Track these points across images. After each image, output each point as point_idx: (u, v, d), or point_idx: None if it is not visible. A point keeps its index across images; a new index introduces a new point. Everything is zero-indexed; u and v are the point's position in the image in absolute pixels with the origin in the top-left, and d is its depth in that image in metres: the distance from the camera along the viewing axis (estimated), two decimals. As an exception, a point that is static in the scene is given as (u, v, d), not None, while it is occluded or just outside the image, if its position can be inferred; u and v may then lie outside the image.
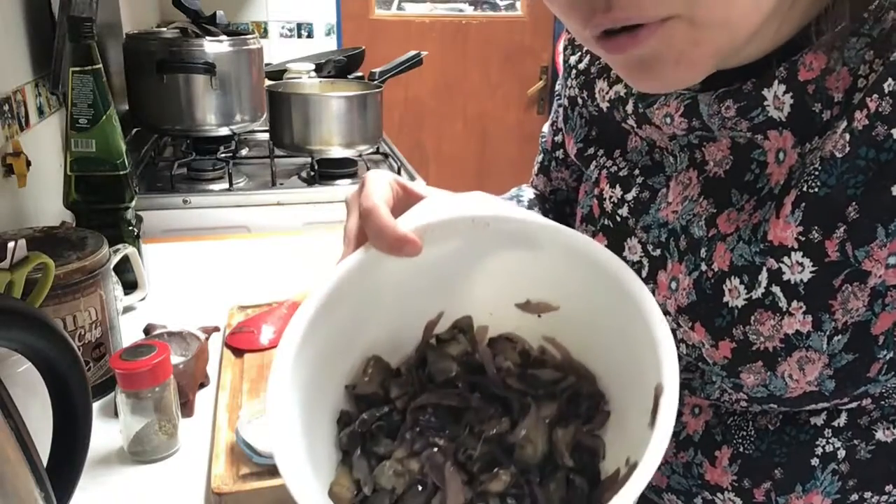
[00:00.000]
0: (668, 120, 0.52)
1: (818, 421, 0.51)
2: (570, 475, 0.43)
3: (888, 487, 0.51)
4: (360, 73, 2.03)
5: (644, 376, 0.40)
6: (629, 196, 0.57)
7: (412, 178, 1.60)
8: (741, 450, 0.53)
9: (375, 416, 0.49)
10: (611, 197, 0.59)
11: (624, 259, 0.55)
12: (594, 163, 0.62)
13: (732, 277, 0.49)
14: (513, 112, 3.19)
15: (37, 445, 0.44)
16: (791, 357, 0.47)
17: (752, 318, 0.48)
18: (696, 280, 0.51)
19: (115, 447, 0.73)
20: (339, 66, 1.99)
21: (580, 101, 0.65)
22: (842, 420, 0.51)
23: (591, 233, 0.61)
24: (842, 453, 0.51)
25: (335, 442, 0.48)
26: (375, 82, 1.76)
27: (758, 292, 0.47)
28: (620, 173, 0.59)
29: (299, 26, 2.68)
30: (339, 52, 2.32)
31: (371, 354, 0.52)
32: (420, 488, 0.44)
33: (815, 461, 0.51)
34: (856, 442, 0.51)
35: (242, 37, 1.62)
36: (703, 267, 0.50)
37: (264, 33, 2.64)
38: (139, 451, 0.71)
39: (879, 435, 0.51)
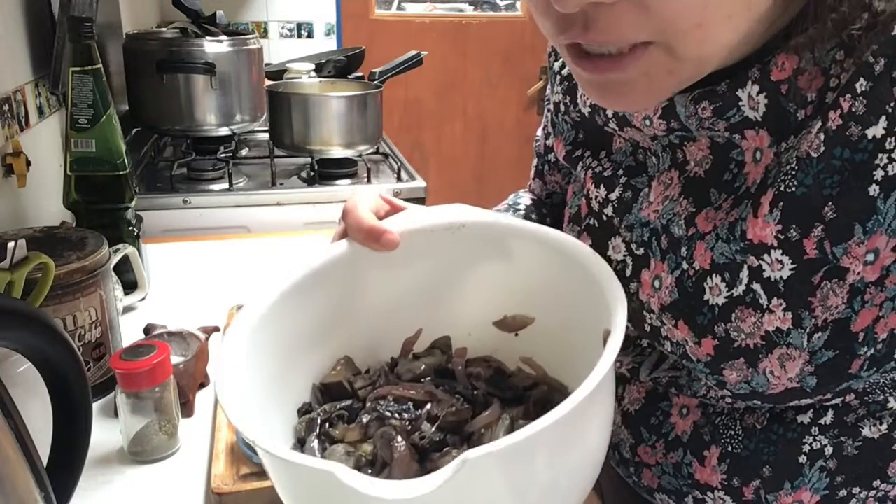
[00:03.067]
0: (648, 122, 0.53)
1: (805, 419, 0.52)
2: None
3: (876, 483, 0.51)
4: (360, 73, 2.03)
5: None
6: (613, 196, 0.58)
7: (412, 178, 1.60)
8: (729, 449, 0.54)
9: (336, 407, 0.49)
10: (596, 196, 0.59)
11: (608, 258, 0.56)
12: (580, 164, 0.63)
13: (714, 275, 0.49)
14: (513, 112, 3.19)
15: (37, 445, 0.44)
16: (772, 354, 0.47)
17: (734, 315, 0.48)
18: (678, 278, 0.51)
19: (115, 447, 0.73)
20: (339, 66, 1.99)
21: (563, 106, 0.65)
22: (828, 418, 0.51)
23: (576, 232, 0.62)
24: (829, 450, 0.51)
25: (293, 428, 0.49)
26: (375, 82, 1.76)
27: (739, 290, 0.48)
28: (605, 173, 0.59)
29: (299, 26, 2.67)
30: (339, 52, 2.32)
31: (342, 355, 0.53)
32: (369, 471, 0.44)
33: (802, 458, 0.52)
34: (843, 439, 0.51)
35: (242, 37, 1.61)
36: (685, 265, 0.51)
37: (264, 33, 2.64)
38: (139, 451, 0.72)
39: (866, 432, 0.51)
